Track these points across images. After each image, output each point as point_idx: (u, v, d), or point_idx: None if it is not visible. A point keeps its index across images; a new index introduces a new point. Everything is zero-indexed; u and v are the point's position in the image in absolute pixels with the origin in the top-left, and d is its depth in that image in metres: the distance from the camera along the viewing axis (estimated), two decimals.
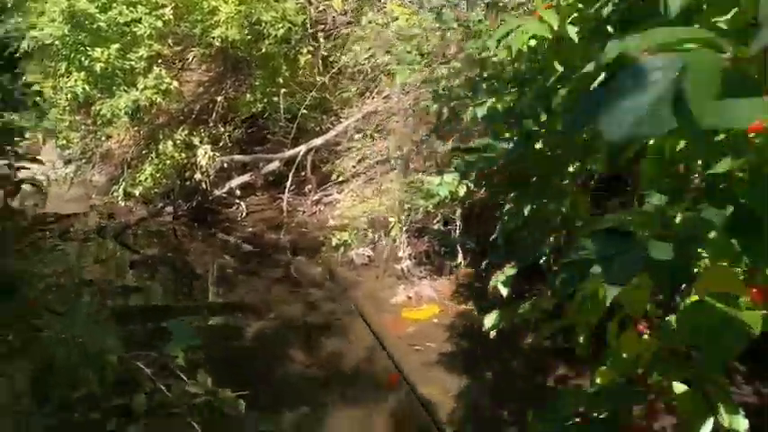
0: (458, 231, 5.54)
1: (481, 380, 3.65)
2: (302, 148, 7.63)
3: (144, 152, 8.04)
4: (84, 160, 9.37)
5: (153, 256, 6.75)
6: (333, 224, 7.60)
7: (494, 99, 2.30)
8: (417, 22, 5.51)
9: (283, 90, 7.16)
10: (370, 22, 5.64)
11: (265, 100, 7.79)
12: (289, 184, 7.75)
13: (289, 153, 7.79)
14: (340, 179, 8.59)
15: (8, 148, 6.27)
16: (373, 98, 9.17)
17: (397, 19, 4.96)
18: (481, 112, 2.32)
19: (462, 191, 4.17)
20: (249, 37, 6.51)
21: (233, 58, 8.67)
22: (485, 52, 4.02)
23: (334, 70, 8.75)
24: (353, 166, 9.23)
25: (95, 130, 7.20)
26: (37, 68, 6.84)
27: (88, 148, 8.69)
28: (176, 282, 6.10)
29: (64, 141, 7.82)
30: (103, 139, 8.18)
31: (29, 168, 8.06)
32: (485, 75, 3.58)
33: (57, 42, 5.75)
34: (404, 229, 6.11)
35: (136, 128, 9.55)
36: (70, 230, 8.30)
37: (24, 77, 6.32)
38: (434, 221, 5.83)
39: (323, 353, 4.12)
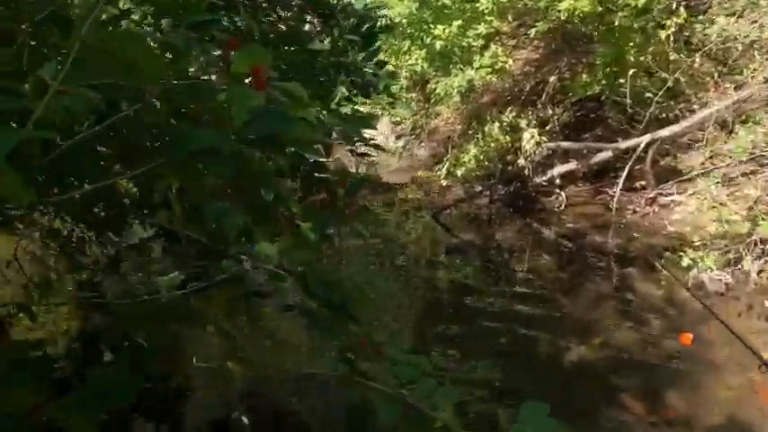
0: None
1: None
2: (644, 139, 6.52)
3: (468, 132, 7.90)
4: (413, 136, 9.75)
5: (468, 241, 6.55)
6: (671, 231, 6.39)
7: None
8: None
9: (632, 71, 6.13)
10: None
11: (604, 81, 6.86)
12: (623, 179, 6.74)
13: (627, 143, 6.76)
14: (685, 177, 7.23)
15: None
16: (740, 85, 7.48)
17: None
18: None
19: None
20: (600, 8, 5.66)
21: (572, 34, 7.90)
22: None
23: (694, 47, 7.33)
24: (702, 163, 7.72)
25: (427, 107, 7.24)
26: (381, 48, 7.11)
27: (418, 125, 8.94)
28: (491, 277, 5.73)
29: (398, 118, 8.10)
30: (433, 116, 8.26)
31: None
32: None
33: (404, 21, 5.77)
34: None
35: (463, 106, 9.59)
36: (394, 202, 8.74)
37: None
38: None
39: (663, 406, 3.26)
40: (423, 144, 10.33)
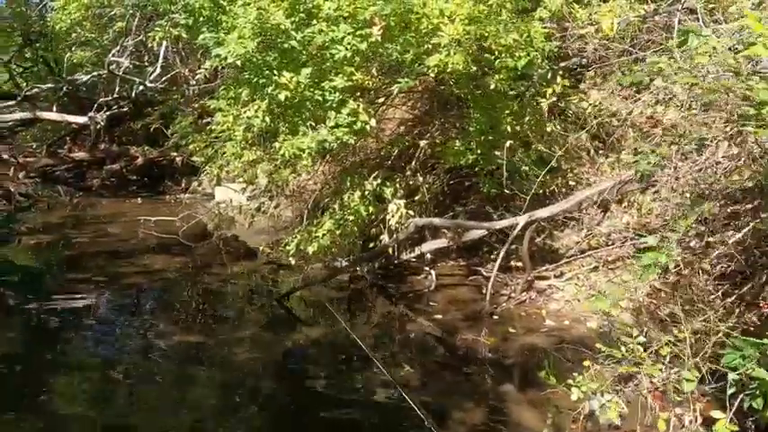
0: None
1: None
2: (521, 219, 5.74)
3: (332, 193, 6.79)
4: (268, 196, 8.50)
5: (313, 331, 5.31)
6: (549, 326, 5.57)
7: None
8: None
9: (509, 142, 5.36)
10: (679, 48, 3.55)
11: (479, 151, 6.07)
12: (498, 263, 5.88)
13: (502, 223, 5.95)
14: (562, 260, 6.56)
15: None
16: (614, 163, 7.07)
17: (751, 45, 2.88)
18: None
19: None
20: (474, 69, 4.84)
21: (444, 96, 7.15)
22: None
23: (570, 119, 6.81)
24: (578, 242, 7.15)
25: (277, 168, 6.05)
26: (225, 93, 5.87)
27: (272, 185, 7.70)
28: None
29: (244, 176, 6.82)
30: (291, 177, 7.05)
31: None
32: None
33: (238, 62, 4.58)
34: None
35: (328, 164, 8.52)
36: (242, 272, 7.36)
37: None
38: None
39: None
40: (288, 202, 9.10)
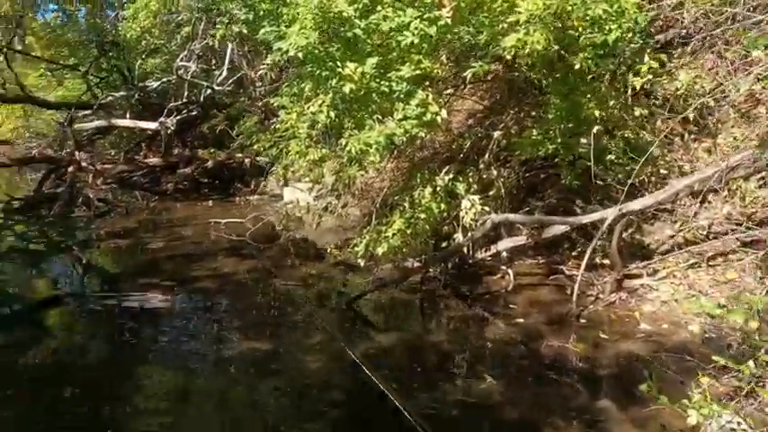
0: None
1: None
2: (609, 213, 5.21)
3: (401, 190, 6.46)
4: (335, 195, 8.28)
5: (384, 338, 4.99)
6: (645, 330, 5.02)
7: None
8: None
9: (595, 128, 4.86)
10: None
11: (559, 140, 5.58)
12: (584, 263, 5.38)
13: (589, 217, 5.44)
14: (655, 256, 5.97)
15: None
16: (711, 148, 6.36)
17: None
18: None
19: None
20: (554, 48, 4.38)
21: (518, 83, 6.68)
22: None
23: (659, 102, 6.18)
24: (671, 236, 6.50)
25: (343, 165, 5.78)
26: (288, 90, 5.66)
27: (339, 183, 7.47)
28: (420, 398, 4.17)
29: (310, 175, 6.61)
30: (358, 174, 6.77)
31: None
32: None
33: (299, 55, 4.32)
34: None
35: (396, 160, 8.21)
36: (310, 274, 7.17)
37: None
38: None
39: None
40: (355, 202, 8.89)
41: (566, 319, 5.26)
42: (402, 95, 4.71)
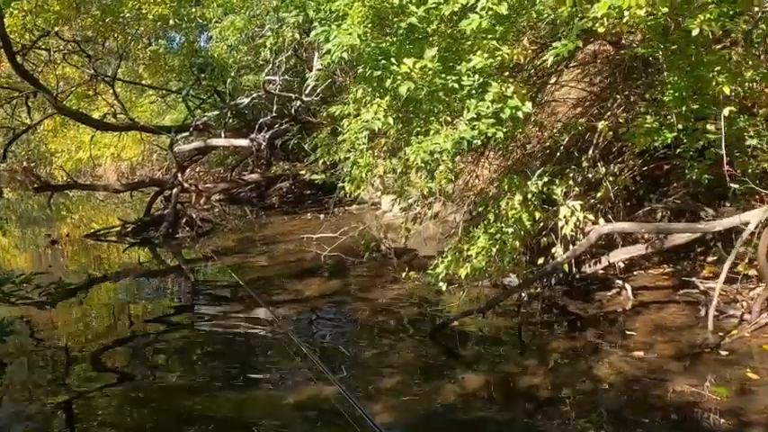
0: None
1: None
2: (752, 217, 4.08)
3: (489, 198, 5.64)
4: (425, 203, 7.58)
5: (475, 376, 4.21)
6: None
7: None
8: None
9: (728, 109, 3.79)
10: None
11: (679, 126, 4.50)
12: (723, 275, 4.28)
13: (724, 223, 4.34)
14: None
15: None
16: None
17: None
18: None
19: None
20: (664, 11, 3.40)
21: (626, 62, 5.61)
22: None
23: None
24: None
25: (405, 173, 5.08)
26: (353, 96, 5.06)
27: (424, 192, 6.75)
28: None
29: (393, 186, 5.97)
30: (429, 186, 6.01)
31: None
32: None
33: (344, 55, 3.69)
34: None
35: (488, 160, 7.38)
36: (398, 294, 6.54)
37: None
38: None
39: None
40: (452, 207, 8.15)
41: (700, 351, 4.20)
42: (474, 90, 3.93)
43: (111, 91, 13.35)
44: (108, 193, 15.64)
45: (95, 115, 13.99)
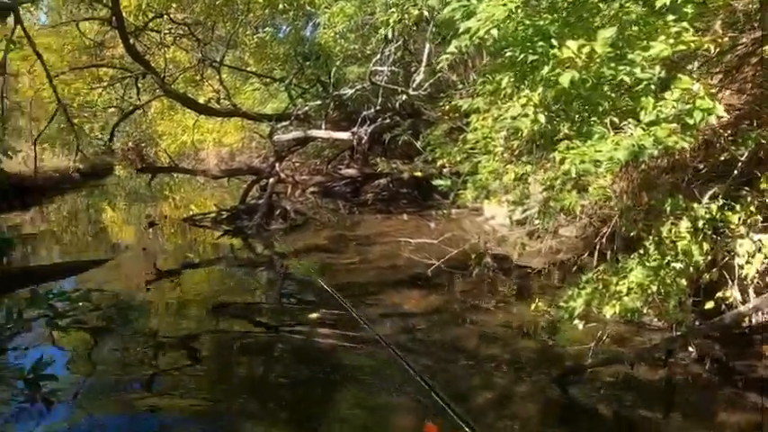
0: None
1: None
2: None
3: (640, 218, 4.68)
4: (546, 216, 6.67)
5: None
6: None
7: None
8: None
9: None
10: None
11: None
12: None
13: None
14: None
15: None
16: None
17: None
18: None
19: None
20: None
21: None
22: None
23: None
24: None
25: (553, 186, 4.22)
26: (483, 88, 4.28)
27: (551, 206, 5.85)
28: None
29: (512, 194, 5.13)
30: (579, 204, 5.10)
31: None
32: None
33: (494, 34, 2.92)
34: None
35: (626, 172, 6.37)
36: (509, 323, 5.69)
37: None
38: None
39: None
40: (571, 220, 7.21)
41: None
42: (653, 86, 3.05)
43: (218, 76, 13.27)
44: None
45: (200, 100, 14.02)
